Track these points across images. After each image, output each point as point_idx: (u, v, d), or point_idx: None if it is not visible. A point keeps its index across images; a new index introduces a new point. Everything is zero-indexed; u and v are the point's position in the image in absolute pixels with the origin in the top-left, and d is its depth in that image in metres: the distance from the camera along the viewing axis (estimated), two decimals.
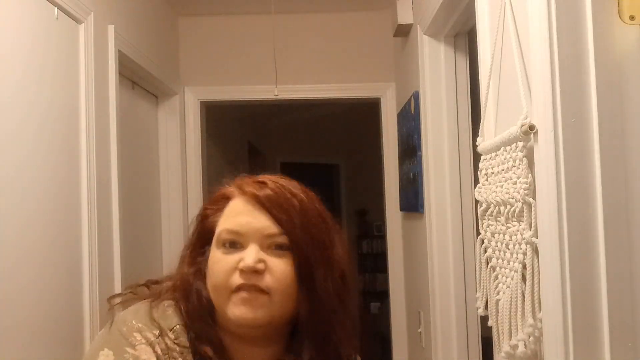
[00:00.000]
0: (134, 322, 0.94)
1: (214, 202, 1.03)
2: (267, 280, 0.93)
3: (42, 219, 1.74)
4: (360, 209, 6.68)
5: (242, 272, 0.92)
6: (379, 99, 3.34)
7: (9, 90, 1.59)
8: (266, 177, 1.00)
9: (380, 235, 5.36)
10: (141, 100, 2.91)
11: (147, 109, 3.03)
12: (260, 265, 0.93)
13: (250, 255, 0.93)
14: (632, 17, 1.03)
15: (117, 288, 2.15)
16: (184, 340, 0.95)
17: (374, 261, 6.53)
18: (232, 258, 0.94)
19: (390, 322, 3.33)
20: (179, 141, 3.20)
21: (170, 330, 0.95)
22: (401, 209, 3.06)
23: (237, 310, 0.93)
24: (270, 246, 0.95)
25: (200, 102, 3.35)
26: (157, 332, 0.94)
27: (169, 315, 0.97)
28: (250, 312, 0.92)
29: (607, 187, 1.01)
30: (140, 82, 2.83)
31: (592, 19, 1.02)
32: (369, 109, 3.66)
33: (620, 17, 1.03)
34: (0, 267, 1.51)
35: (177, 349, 0.94)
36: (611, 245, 1.01)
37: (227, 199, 1.01)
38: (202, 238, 1.02)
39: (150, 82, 2.90)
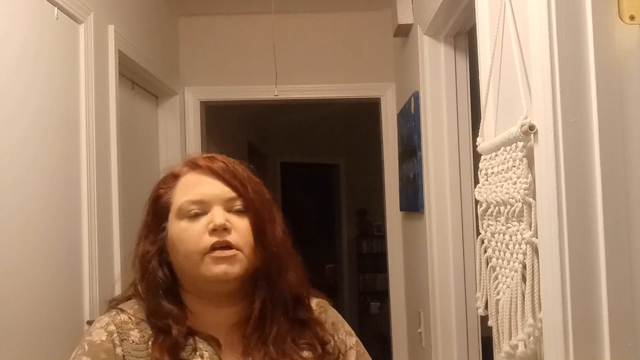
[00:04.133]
0: (97, 317, 1.08)
1: (165, 182, 1.12)
2: (235, 237, 1.04)
3: (43, 220, 1.74)
4: (360, 209, 6.68)
5: (214, 231, 1.02)
6: (379, 99, 3.34)
7: (7, 89, 1.59)
8: (211, 154, 1.14)
9: (380, 235, 5.35)
10: (141, 100, 2.91)
11: (147, 109, 3.03)
12: (228, 223, 1.03)
13: (218, 214, 1.03)
14: (632, 17, 1.03)
15: (117, 289, 2.14)
16: (141, 315, 1.06)
17: (374, 261, 6.53)
18: (199, 223, 1.04)
19: (390, 322, 3.33)
20: (179, 141, 3.20)
21: (130, 309, 1.06)
22: (401, 209, 3.06)
23: (215, 268, 1.02)
24: (230, 209, 1.06)
25: (200, 102, 3.35)
26: (114, 313, 1.06)
27: (130, 302, 1.10)
28: (228, 267, 1.02)
29: (607, 187, 1.01)
30: (140, 82, 2.82)
31: (592, 19, 1.02)
32: (369, 109, 3.66)
33: (620, 17, 1.03)
34: (1, 269, 1.51)
35: (133, 319, 1.06)
36: (611, 245, 1.01)
37: (176, 176, 1.10)
38: (158, 216, 1.10)
39: (150, 82, 2.90)
